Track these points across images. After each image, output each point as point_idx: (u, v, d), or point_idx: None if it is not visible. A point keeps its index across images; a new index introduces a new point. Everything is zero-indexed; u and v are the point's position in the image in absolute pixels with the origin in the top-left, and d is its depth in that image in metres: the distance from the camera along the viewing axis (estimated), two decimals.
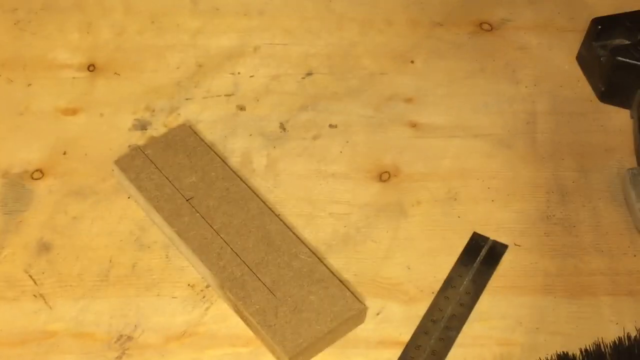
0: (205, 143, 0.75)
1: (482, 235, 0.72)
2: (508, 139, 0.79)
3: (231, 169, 0.74)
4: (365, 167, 0.77)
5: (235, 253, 0.68)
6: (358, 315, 0.65)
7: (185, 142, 0.75)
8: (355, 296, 0.65)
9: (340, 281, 0.66)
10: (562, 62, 0.86)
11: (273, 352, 0.64)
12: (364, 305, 0.65)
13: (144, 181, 0.72)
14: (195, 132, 0.76)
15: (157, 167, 0.73)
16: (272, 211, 0.71)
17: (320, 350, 0.65)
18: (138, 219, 0.72)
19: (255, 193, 0.72)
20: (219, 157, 0.74)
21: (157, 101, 0.81)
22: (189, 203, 0.70)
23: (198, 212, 0.70)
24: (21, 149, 0.77)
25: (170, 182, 0.72)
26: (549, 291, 0.69)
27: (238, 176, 0.73)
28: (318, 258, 0.68)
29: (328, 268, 0.67)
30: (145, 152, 0.74)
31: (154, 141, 0.75)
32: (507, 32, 0.89)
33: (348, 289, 0.66)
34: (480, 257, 0.70)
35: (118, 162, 0.73)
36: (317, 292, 0.66)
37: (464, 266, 0.69)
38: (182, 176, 0.72)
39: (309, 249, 0.68)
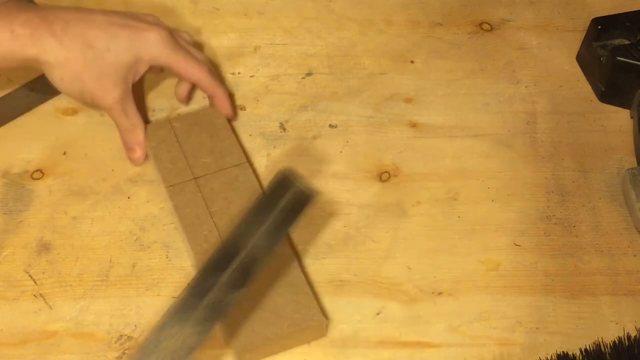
0: (231, 129, 0.76)
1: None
2: (508, 139, 0.79)
3: (248, 159, 0.74)
4: (365, 167, 0.77)
5: (221, 239, 0.67)
6: (317, 327, 0.64)
7: (214, 123, 0.76)
8: (321, 308, 0.65)
9: (313, 291, 0.66)
10: (562, 62, 0.86)
11: (227, 344, 0.63)
12: (326, 319, 0.65)
13: (162, 151, 0.73)
14: (223, 116, 0.77)
15: (177, 141, 0.74)
16: None
17: (271, 353, 0.64)
18: (138, 219, 0.72)
19: (262, 187, 0.72)
20: (240, 145, 0.75)
21: (157, 101, 0.81)
22: (195, 182, 0.71)
23: (200, 192, 0.70)
24: (21, 149, 0.77)
25: (185, 157, 0.73)
26: (549, 291, 0.69)
27: (252, 167, 0.73)
28: (299, 264, 0.67)
29: (305, 276, 0.66)
30: (172, 124, 0.75)
31: (184, 116, 0.76)
32: (507, 32, 0.89)
33: (316, 299, 0.65)
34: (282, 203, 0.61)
35: (149, 127, 0.75)
36: (285, 295, 0.65)
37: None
38: (199, 155, 0.73)
39: (292, 251, 0.68)
